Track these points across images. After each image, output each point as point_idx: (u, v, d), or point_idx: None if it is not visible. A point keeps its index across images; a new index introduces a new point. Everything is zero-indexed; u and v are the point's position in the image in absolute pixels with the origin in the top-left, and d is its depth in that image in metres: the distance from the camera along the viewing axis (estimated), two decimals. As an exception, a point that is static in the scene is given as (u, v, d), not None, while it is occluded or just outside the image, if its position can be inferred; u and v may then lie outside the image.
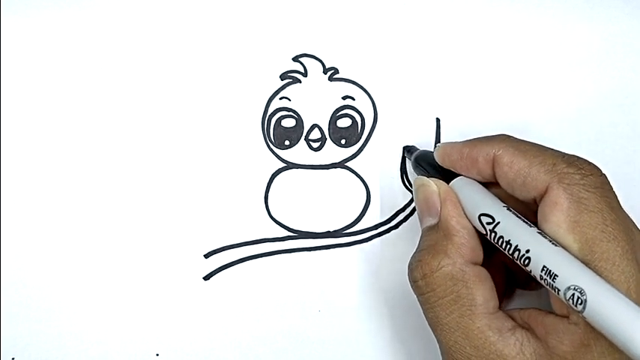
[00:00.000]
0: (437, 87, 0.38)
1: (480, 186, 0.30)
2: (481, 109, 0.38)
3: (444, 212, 0.29)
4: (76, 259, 0.36)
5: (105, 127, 0.37)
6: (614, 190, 0.27)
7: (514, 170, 0.27)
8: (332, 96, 0.38)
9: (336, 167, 0.37)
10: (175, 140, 0.37)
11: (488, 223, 0.28)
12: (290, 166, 0.37)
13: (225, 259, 0.36)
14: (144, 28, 0.37)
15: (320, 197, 0.37)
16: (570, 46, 0.38)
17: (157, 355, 0.36)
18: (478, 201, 0.29)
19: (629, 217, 0.28)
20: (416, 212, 0.32)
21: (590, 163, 0.27)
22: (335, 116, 0.38)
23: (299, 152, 0.37)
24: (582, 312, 0.24)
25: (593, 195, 0.25)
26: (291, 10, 0.38)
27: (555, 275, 0.25)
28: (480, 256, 0.29)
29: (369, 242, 0.37)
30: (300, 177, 0.37)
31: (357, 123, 0.38)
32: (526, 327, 0.27)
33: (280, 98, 0.38)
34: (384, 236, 0.37)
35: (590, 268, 0.24)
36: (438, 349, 0.29)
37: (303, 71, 0.38)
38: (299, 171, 0.37)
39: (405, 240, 0.36)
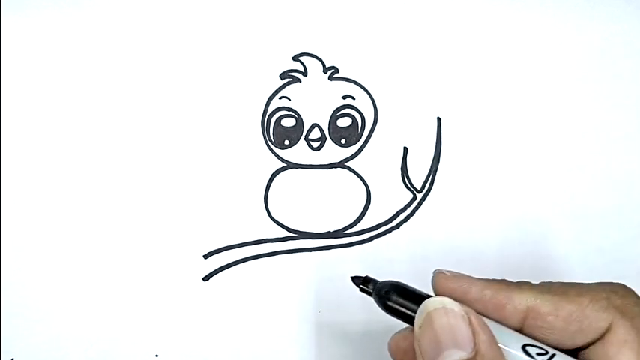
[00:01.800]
0: (437, 87, 0.38)
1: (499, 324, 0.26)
2: (482, 108, 0.38)
3: (481, 341, 0.23)
4: (76, 259, 0.36)
5: (104, 127, 0.37)
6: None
7: (562, 317, 0.24)
8: (332, 95, 0.38)
9: (336, 167, 0.37)
10: (175, 140, 0.37)
11: (539, 354, 0.24)
12: (290, 166, 0.37)
13: (224, 259, 0.36)
14: (144, 28, 0.37)
15: (320, 197, 0.37)
16: (570, 46, 0.38)
17: (157, 355, 0.36)
18: (502, 329, 0.25)
19: None
20: (421, 340, 0.24)
21: (625, 287, 0.25)
22: (335, 116, 0.38)
23: (299, 152, 0.37)
24: None
25: None
26: (291, 9, 0.38)
27: None
28: None
29: (370, 242, 0.37)
30: (300, 177, 0.37)
31: (357, 122, 0.38)
32: None
33: (280, 98, 0.37)
34: (385, 236, 0.37)
35: None
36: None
37: (303, 70, 0.38)
38: (299, 171, 0.37)
39: (407, 240, 0.36)
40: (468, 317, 0.23)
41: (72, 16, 0.37)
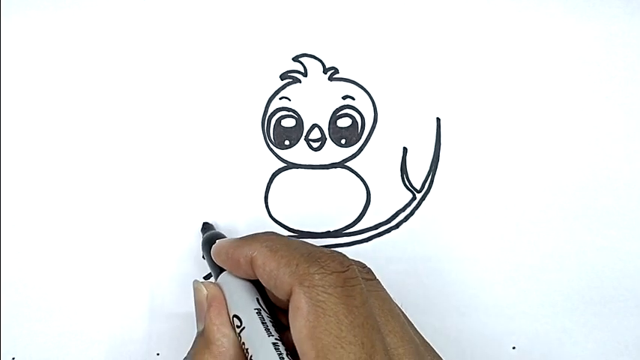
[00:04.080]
0: (436, 87, 0.38)
1: (243, 283, 0.28)
2: (481, 108, 0.38)
3: (206, 319, 0.28)
4: (76, 259, 0.36)
5: (105, 127, 0.37)
6: (367, 270, 0.27)
7: (267, 272, 0.26)
8: (332, 96, 0.38)
9: (336, 167, 0.37)
10: (175, 140, 0.37)
11: (237, 327, 0.27)
12: (290, 166, 0.37)
13: (225, 259, 0.36)
14: (144, 28, 0.37)
15: (320, 197, 0.37)
16: (570, 46, 0.38)
17: (158, 354, 0.36)
18: (236, 301, 0.28)
19: (382, 300, 0.27)
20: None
21: (335, 258, 0.25)
22: (335, 116, 0.38)
23: (299, 152, 0.37)
24: None
25: (331, 297, 0.24)
26: (291, 10, 0.38)
27: None
28: None
29: (370, 242, 0.37)
30: (300, 177, 0.37)
31: (357, 123, 0.38)
32: None
33: (280, 98, 0.38)
34: (384, 236, 0.37)
35: None
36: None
37: (303, 71, 0.38)
38: (299, 171, 0.37)
39: (406, 240, 0.36)
40: (208, 298, 0.28)
41: (72, 16, 0.37)
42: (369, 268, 0.28)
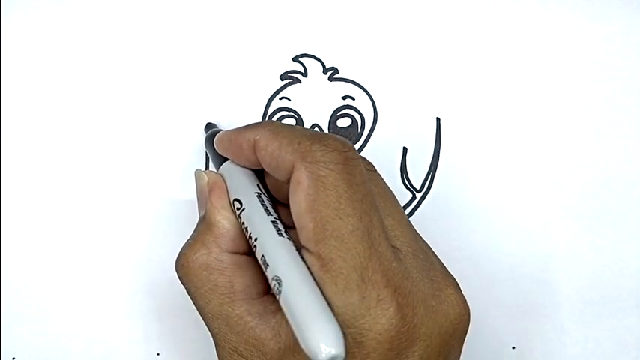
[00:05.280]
0: (436, 87, 0.38)
1: (244, 171, 0.29)
2: (481, 108, 0.38)
3: (207, 203, 0.29)
4: (76, 259, 0.36)
5: (105, 127, 0.37)
6: (367, 162, 0.28)
7: (269, 154, 0.27)
8: (332, 96, 0.38)
9: (336, 167, 0.37)
10: (175, 140, 0.37)
11: (237, 209, 0.27)
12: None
13: (225, 259, 0.36)
14: (144, 27, 0.37)
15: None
16: (570, 46, 0.38)
17: (158, 354, 0.36)
18: (237, 186, 0.29)
19: (381, 188, 0.28)
20: None
21: (337, 140, 0.26)
22: (335, 116, 0.38)
23: (299, 152, 0.37)
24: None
25: (332, 172, 0.25)
26: (291, 10, 0.38)
27: (267, 264, 0.25)
28: (242, 245, 0.28)
29: (369, 242, 0.37)
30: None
31: (357, 123, 0.38)
32: None
33: (280, 98, 0.38)
34: (383, 236, 0.37)
35: (321, 245, 0.24)
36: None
37: (303, 71, 0.38)
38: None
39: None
40: (209, 184, 0.29)
41: (72, 16, 0.37)
42: (372, 164, 0.29)
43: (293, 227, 0.26)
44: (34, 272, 0.36)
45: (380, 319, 0.23)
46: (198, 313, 0.29)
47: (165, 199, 0.37)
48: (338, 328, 0.23)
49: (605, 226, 0.37)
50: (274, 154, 0.26)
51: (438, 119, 0.38)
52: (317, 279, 0.24)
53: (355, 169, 0.25)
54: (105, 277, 0.36)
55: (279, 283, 0.24)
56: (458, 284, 0.27)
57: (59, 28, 0.37)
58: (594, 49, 0.38)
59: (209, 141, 0.33)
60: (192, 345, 0.36)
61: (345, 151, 0.25)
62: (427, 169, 0.37)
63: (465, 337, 0.27)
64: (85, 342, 0.36)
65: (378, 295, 0.24)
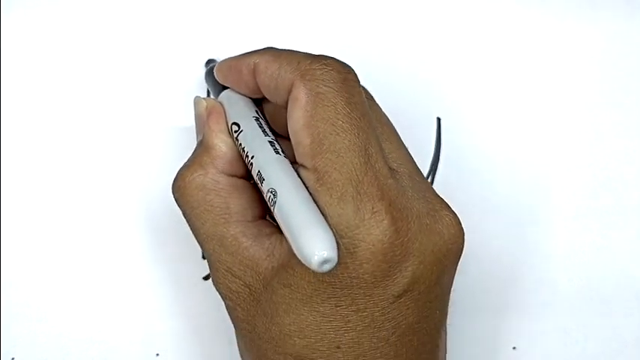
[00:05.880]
0: (437, 87, 0.38)
1: (243, 98, 0.30)
2: (482, 108, 0.38)
3: (205, 127, 0.29)
4: (77, 259, 0.36)
5: (105, 127, 0.37)
6: (367, 90, 0.28)
7: (268, 76, 0.27)
8: (332, 96, 0.38)
9: (336, 167, 0.37)
10: (175, 140, 0.37)
11: (235, 132, 0.28)
12: (290, 166, 0.37)
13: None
14: (144, 27, 0.37)
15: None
16: (571, 46, 0.38)
17: (157, 354, 0.36)
18: (236, 111, 0.29)
19: (380, 115, 0.29)
20: None
21: (338, 61, 0.26)
22: (335, 116, 0.38)
23: (299, 152, 0.37)
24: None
25: (331, 89, 0.25)
26: (290, 10, 0.38)
27: (263, 179, 0.25)
28: (239, 168, 0.28)
29: (370, 242, 0.37)
30: (301, 177, 0.37)
31: (357, 123, 0.37)
32: None
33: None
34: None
35: (317, 160, 0.24)
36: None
37: (303, 71, 0.38)
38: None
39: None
40: (207, 109, 0.29)
41: (72, 16, 0.37)
42: (371, 94, 0.29)
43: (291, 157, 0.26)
44: (34, 272, 0.36)
45: (374, 230, 0.24)
46: (193, 235, 0.29)
47: (164, 199, 0.37)
48: (331, 233, 0.23)
49: (605, 226, 0.37)
50: (274, 75, 0.26)
51: (438, 119, 0.38)
52: (312, 192, 0.24)
53: (354, 89, 0.26)
54: (105, 277, 0.36)
55: (274, 195, 0.24)
56: (453, 210, 0.27)
57: (59, 27, 0.37)
58: (594, 49, 0.38)
59: (209, 74, 0.33)
60: (192, 345, 0.36)
61: (346, 72, 0.26)
62: (428, 169, 0.37)
63: (458, 261, 0.28)
64: (84, 342, 0.36)
65: (373, 207, 0.24)
